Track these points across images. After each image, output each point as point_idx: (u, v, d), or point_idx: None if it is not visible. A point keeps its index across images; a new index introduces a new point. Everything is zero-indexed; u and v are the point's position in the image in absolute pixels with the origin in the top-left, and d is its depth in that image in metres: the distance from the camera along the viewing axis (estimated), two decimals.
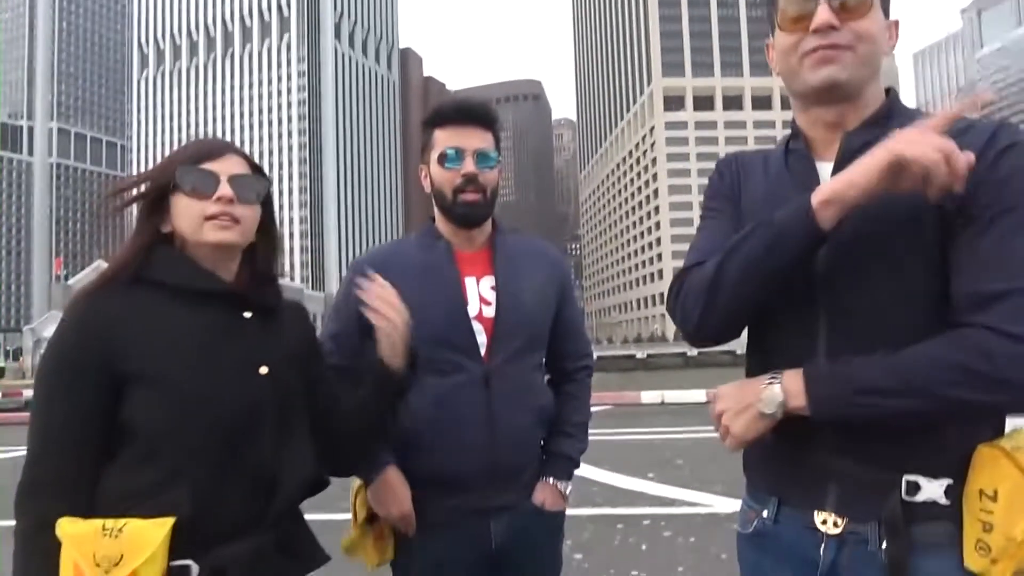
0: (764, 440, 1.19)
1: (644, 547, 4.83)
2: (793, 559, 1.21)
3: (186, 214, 1.30)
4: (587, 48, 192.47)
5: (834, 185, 1.08)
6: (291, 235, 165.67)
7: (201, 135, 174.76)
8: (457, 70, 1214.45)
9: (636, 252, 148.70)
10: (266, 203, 1.39)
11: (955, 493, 1.08)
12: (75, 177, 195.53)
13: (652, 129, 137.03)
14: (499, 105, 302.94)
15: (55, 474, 1.20)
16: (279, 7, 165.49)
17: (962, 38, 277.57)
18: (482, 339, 1.71)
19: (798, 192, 1.13)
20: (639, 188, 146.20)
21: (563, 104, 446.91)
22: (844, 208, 1.07)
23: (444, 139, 1.74)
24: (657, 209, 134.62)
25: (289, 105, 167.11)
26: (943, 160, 0.99)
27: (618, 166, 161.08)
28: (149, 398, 1.21)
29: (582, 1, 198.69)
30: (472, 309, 1.72)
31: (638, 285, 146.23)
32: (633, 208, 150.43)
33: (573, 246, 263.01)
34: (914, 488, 1.09)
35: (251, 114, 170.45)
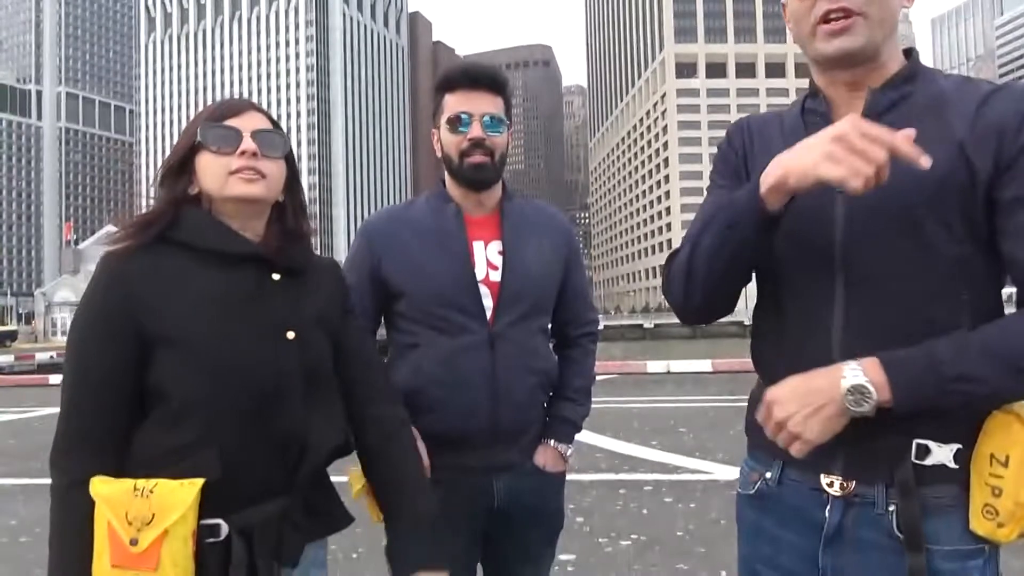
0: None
1: (645, 512, 4.93)
2: (796, 520, 1.22)
3: (211, 170, 1.30)
4: (598, 13, 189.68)
5: (776, 170, 1.08)
6: None
7: (209, 100, 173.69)
8: (466, 35, 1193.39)
9: (645, 221, 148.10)
10: (289, 161, 1.39)
11: (963, 457, 1.09)
12: (84, 141, 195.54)
13: (663, 96, 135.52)
14: (508, 71, 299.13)
15: (87, 432, 1.22)
16: None
17: (981, 4, 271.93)
18: (488, 302, 1.75)
19: None
20: (649, 156, 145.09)
21: (573, 70, 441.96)
22: (791, 193, 1.08)
23: (453, 103, 1.76)
24: (667, 178, 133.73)
25: (297, 70, 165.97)
26: (847, 171, 1.00)
27: (628, 134, 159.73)
28: (176, 361, 1.23)
29: None
30: (479, 272, 1.75)
31: (647, 255, 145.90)
32: (643, 177, 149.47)
33: (582, 215, 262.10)
34: (924, 452, 1.09)
35: (259, 78, 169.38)
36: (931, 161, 0.99)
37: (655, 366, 15.45)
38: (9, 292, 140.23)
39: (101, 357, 1.23)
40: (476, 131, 1.74)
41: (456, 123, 1.75)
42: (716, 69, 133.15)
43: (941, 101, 1.14)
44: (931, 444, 1.09)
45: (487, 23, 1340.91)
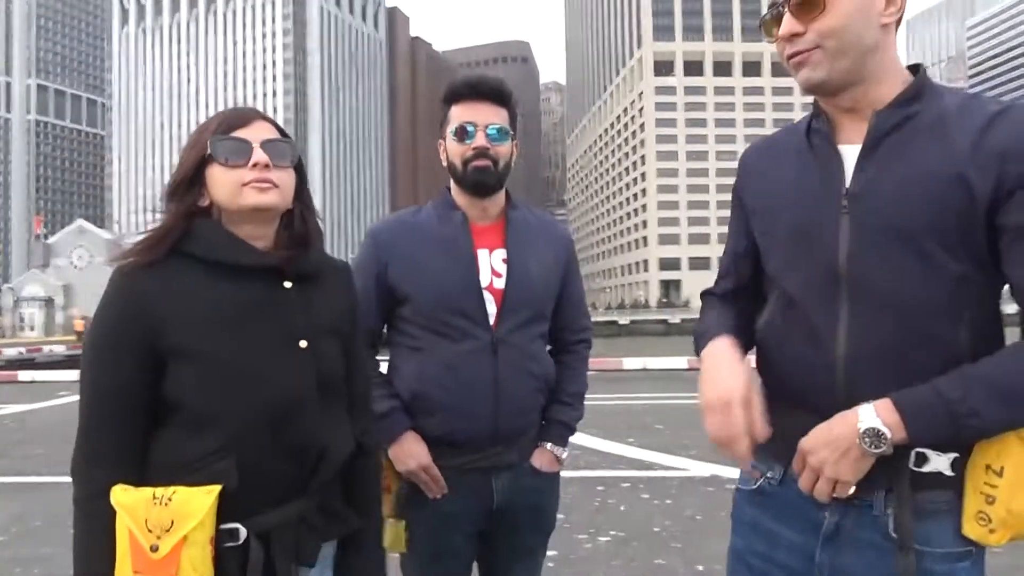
0: (779, 411, 1.23)
1: (623, 508, 5.00)
2: (795, 519, 1.26)
3: (223, 183, 1.31)
4: (577, 10, 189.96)
5: (705, 380, 1.24)
6: None
7: (184, 93, 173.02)
8: (445, 31, 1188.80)
9: (622, 218, 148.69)
10: (299, 168, 1.40)
11: (959, 465, 1.12)
12: (54, 134, 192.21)
13: (641, 94, 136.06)
14: (486, 67, 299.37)
15: (109, 444, 1.25)
16: None
17: (953, 6, 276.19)
18: (492, 308, 1.80)
19: (824, 180, 1.20)
20: (626, 154, 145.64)
21: (551, 67, 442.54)
22: None
23: (458, 114, 1.82)
24: (644, 175, 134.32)
25: (274, 64, 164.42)
26: (723, 441, 1.17)
27: (606, 131, 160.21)
28: (191, 374, 1.25)
29: None
30: (484, 280, 1.80)
31: (623, 252, 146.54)
32: (620, 174, 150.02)
33: (559, 211, 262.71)
34: (922, 459, 1.13)
35: (234, 72, 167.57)
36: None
37: (631, 363, 15.54)
38: None
39: (118, 372, 1.25)
40: (480, 140, 1.79)
41: (462, 133, 1.80)
42: (693, 67, 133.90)
43: (944, 122, 1.14)
44: (929, 452, 1.13)
45: (466, 19, 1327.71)
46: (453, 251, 1.81)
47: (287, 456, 1.29)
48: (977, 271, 1.14)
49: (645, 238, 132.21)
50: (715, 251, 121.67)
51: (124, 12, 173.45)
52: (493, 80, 1.87)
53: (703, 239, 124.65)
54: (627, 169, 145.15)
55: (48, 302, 70.99)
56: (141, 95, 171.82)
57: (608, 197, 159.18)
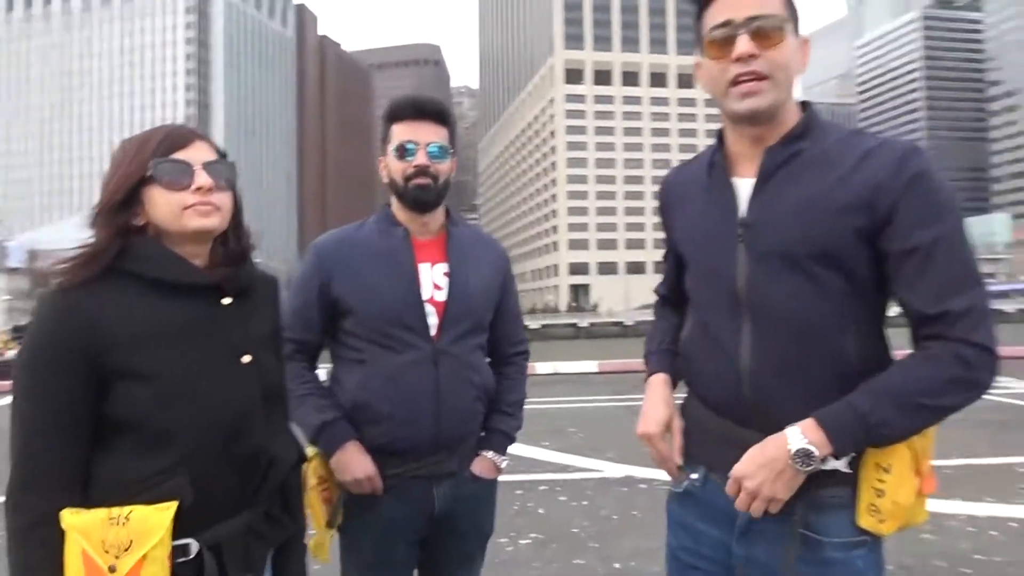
0: (698, 419, 1.42)
1: (541, 511, 5.12)
2: (716, 517, 1.38)
3: (165, 205, 1.30)
4: (489, 15, 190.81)
5: (645, 405, 1.48)
6: None
7: (76, 86, 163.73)
8: (353, 31, 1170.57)
9: (533, 223, 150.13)
10: (233, 186, 1.41)
11: (855, 464, 1.24)
12: None
13: (552, 101, 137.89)
14: (396, 69, 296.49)
15: (52, 469, 1.22)
16: None
17: (844, 26, 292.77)
18: (433, 320, 1.85)
19: (722, 211, 1.34)
20: (537, 160, 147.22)
21: (463, 71, 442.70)
22: None
23: (400, 133, 1.87)
24: (555, 181, 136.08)
25: (175, 59, 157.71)
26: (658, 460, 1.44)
27: (517, 137, 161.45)
28: (143, 394, 1.24)
29: None
30: (425, 292, 1.86)
31: (534, 256, 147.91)
32: (531, 179, 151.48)
33: (471, 216, 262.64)
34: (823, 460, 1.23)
35: (131, 65, 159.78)
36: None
37: (544, 367, 15.76)
38: None
39: (58, 393, 1.22)
40: (421, 158, 1.85)
41: (403, 151, 1.86)
42: (603, 76, 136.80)
43: (827, 157, 1.27)
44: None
45: (375, 20, 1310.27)
46: (395, 265, 1.86)
47: (237, 468, 1.30)
48: (859, 288, 1.25)
49: (556, 243, 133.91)
50: (623, 256, 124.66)
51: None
52: (434, 100, 1.95)
53: (611, 244, 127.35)
54: (538, 175, 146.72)
55: None
56: (26, 85, 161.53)
57: (519, 202, 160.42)
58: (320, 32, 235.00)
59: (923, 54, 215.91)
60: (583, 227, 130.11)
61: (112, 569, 1.14)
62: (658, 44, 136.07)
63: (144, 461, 1.23)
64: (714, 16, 1.28)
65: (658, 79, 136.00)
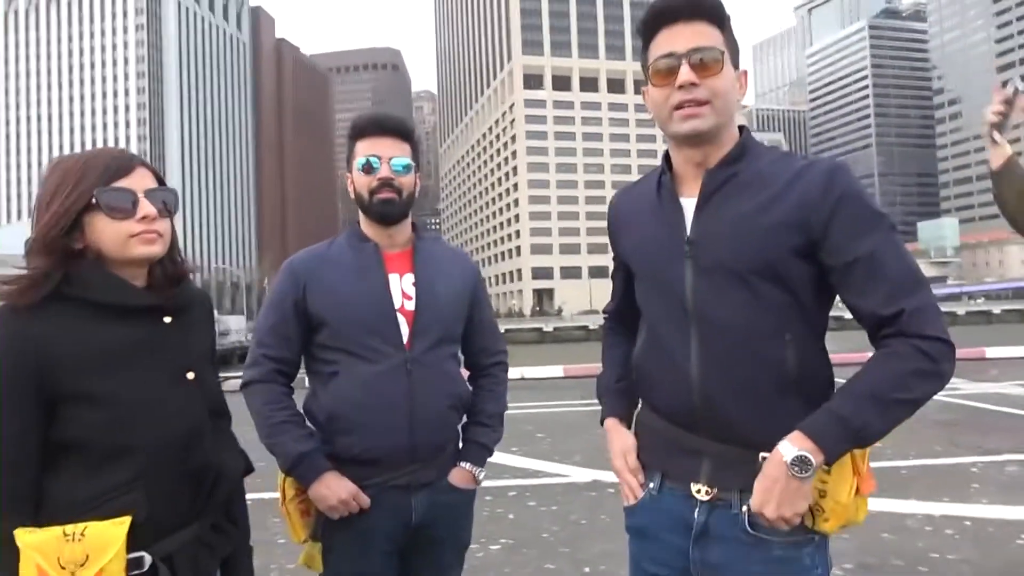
0: (652, 428, 1.49)
1: (511, 516, 5.16)
2: (672, 523, 1.44)
3: (110, 234, 1.32)
4: (448, 20, 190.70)
5: (610, 440, 1.58)
6: None
7: (23, 89, 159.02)
8: (312, 34, 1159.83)
9: (495, 228, 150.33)
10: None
11: None
12: None
13: (512, 106, 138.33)
14: (356, 73, 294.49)
15: (8, 490, 1.24)
16: None
17: (795, 34, 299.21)
18: (404, 330, 1.89)
19: (670, 229, 1.42)
20: (499, 164, 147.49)
21: (423, 75, 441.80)
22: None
23: (364, 149, 1.93)
24: (516, 186, 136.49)
25: (126, 61, 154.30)
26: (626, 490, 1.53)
27: (478, 141, 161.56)
28: (96, 415, 1.26)
29: None
30: (396, 302, 1.90)
31: (497, 261, 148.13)
32: (492, 184, 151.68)
33: (432, 221, 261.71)
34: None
35: (80, 68, 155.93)
36: None
37: (513, 373, 15.74)
38: None
39: (10, 417, 1.24)
40: (385, 171, 1.90)
41: (367, 167, 1.91)
42: (562, 82, 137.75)
43: (761, 178, 1.37)
44: None
45: (334, 22, 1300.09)
46: (366, 276, 1.90)
47: (188, 482, 1.34)
48: (798, 300, 1.34)
49: (519, 248, 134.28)
50: (586, 261, 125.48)
51: None
52: (397, 117, 2.01)
53: (574, 249, 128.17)
54: (500, 180, 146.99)
55: None
56: None
57: (482, 207, 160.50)
58: (278, 35, 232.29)
59: (870, 62, 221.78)
60: (546, 232, 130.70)
61: None
62: (615, 51, 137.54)
63: (94, 480, 1.26)
64: (659, 47, 1.38)
65: (616, 85, 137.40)
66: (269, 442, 1.84)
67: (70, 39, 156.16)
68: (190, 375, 1.39)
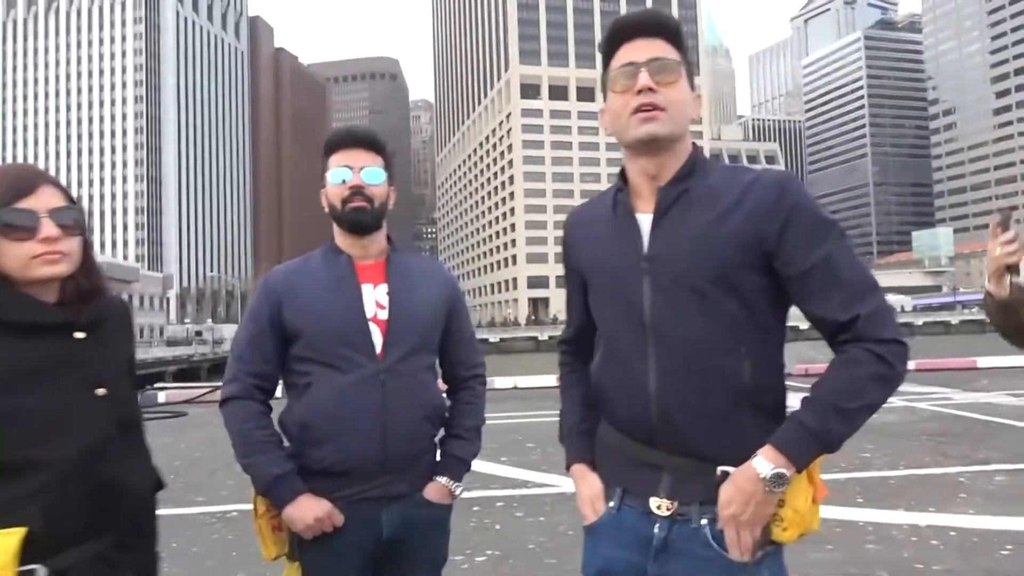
0: (611, 444, 1.51)
1: (498, 527, 5.13)
2: (630, 540, 1.45)
3: (12, 256, 1.31)
4: (445, 30, 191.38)
5: (577, 481, 1.58)
6: (125, 210, 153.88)
7: (19, 97, 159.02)
8: (310, 43, 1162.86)
9: (492, 237, 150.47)
10: (82, 228, 1.42)
11: None
12: None
13: (509, 116, 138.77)
14: (354, 82, 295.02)
15: None
16: None
17: (791, 45, 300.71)
18: (378, 339, 1.88)
19: (627, 245, 1.45)
20: (495, 174, 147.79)
21: (421, 85, 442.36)
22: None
23: (336, 161, 1.95)
24: (513, 195, 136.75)
25: (124, 70, 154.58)
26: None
27: (475, 151, 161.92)
28: None
29: None
30: (368, 311, 1.90)
31: (494, 270, 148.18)
32: (489, 193, 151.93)
33: (429, 230, 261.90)
34: (725, 476, 1.34)
35: (79, 76, 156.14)
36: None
37: (502, 382, 15.77)
38: None
39: None
40: (356, 180, 1.91)
41: (338, 177, 1.93)
42: (558, 91, 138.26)
43: (712, 193, 1.41)
44: (730, 469, 1.33)
45: (332, 32, 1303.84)
46: (339, 286, 1.91)
47: (90, 497, 1.31)
48: (753, 313, 1.38)
49: (514, 257, 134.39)
50: None
51: None
52: (369, 130, 2.02)
53: None
54: (496, 189, 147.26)
55: None
56: None
57: (478, 216, 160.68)
58: (277, 44, 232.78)
59: (866, 73, 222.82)
60: (542, 241, 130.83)
61: None
62: None
63: None
64: (620, 59, 1.46)
65: None
66: (245, 462, 1.84)
67: (68, 48, 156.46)
68: (100, 391, 1.36)
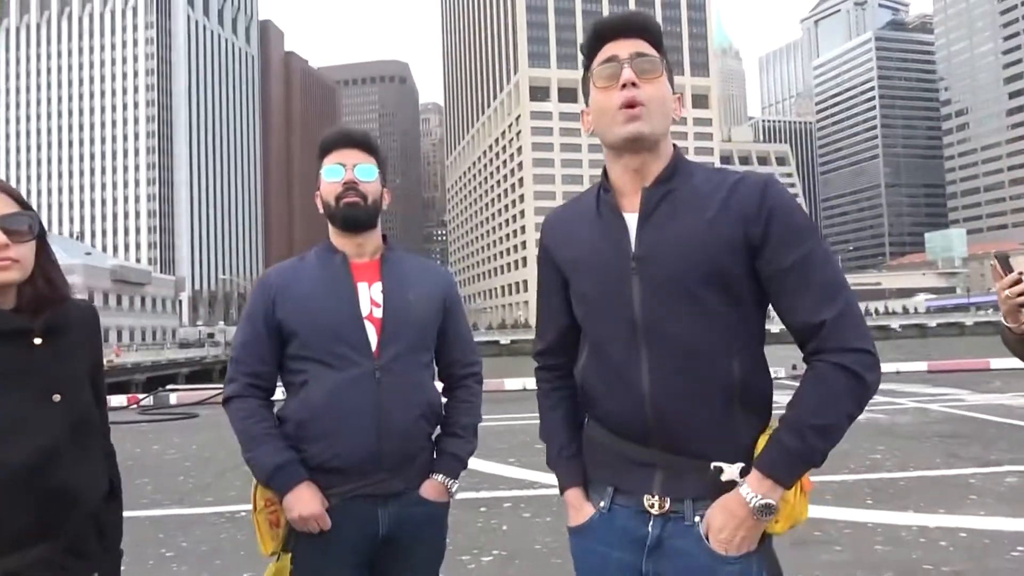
0: (601, 443, 1.50)
1: (505, 528, 5.13)
2: (622, 540, 1.45)
3: None
4: (455, 34, 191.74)
5: (571, 507, 1.55)
6: (137, 214, 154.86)
7: (32, 102, 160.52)
8: (319, 47, 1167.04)
9: (502, 239, 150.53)
10: (39, 233, 1.41)
11: (746, 472, 1.36)
12: None
13: (518, 118, 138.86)
14: (364, 86, 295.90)
15: None
16: None
17: (801, 46, 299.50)
18: (373, 337, 1.89)
19: (615, 245, 1.44)
20: (505, 176, 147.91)
21: (430, 88, 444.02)
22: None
23: (329, 160, 1.98)
24: (522, 197, 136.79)
25: (136, 74, 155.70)
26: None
27: (484, 153, 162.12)
28: None
29: None
30: (364, 309, 1.91)
31: (504, 272, 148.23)
32: (499, 195, 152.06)
33: (439, 232, 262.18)
34: (719, 471, 1.37)
35: (91, 81, 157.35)
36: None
37: (512, 383, 15.74)
38: None
39: None
40: (349, 176, 1.94)
41: (332, 174, 1.95)
42: (568, 94, 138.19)
43: (698, 194, 1.42)
44: (724, 465, 1.37)
45: (342, 35, 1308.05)
46: (334, 285, 1.92)
47: (37, 503, 1.31)
48: (742, 312, 1.40)
49: (525, 259, 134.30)
50: None
51: None
52: (362, 131, 2.05)
53: None
54: (506, 191, 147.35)
55: None
56: None
57: (488, 218, 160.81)
58: (287, 48, 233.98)
59: (877, 74, 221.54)
60: None
61: None
62: None
63: None
64: (601, 56, 1.47)
65: None
66: (247, 456, 1.86)
67: (81, 52, 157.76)
68: (56, 397, 1.36)
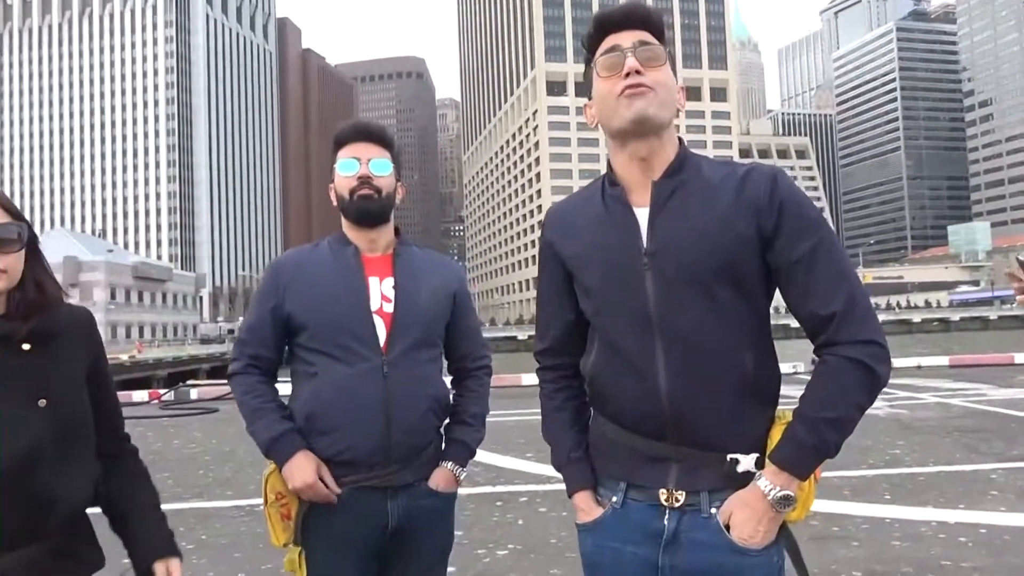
0: (614, 439, 1.48)
1: (520, 522, 5.15)
2: (637, 534, 1.44)
3: None
4: (471, 29, 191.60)
5: (579, 508, 1.52)
6: (158, 211, 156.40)
7: (55, 100, 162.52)
8: (337, 44, 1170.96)
9: (519, 234, 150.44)
10: (29, 241, 1.42)
11: (760, 462, 1.38)
12: None
13: (535, 113, 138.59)
14: (380, 82, 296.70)
15: None
16: None
17: (821, 37, 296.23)
18: (382, 331, 1.90)
19: (625, 239, 1.43)
20: (522, 171, 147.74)
21: (447, 84, 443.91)
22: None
23: (344, 154, 1.98)
24: (540, 192, 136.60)
25: (156, 72, 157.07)
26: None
27: (501, 148, 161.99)
28: None
29: None
30: (374, 304, 1.92)
31: (521, 267, 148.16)
32: (516, 191, 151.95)
33: (456, 227, 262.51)
34: (735, 462, 1.38)
35: (112, 79, 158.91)
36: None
37: (529, 379, 15.74)
38: None
39: None
40: (363, 170, 1.94)
41: (346, 168, 1.96)
42: (585, 88, 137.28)
43: (710, 186, 1.41)
44: (740, 456, 1.37)
45: (359, 32, 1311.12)
46: (345, 278, 1.93)
47: (16, 507, 1.32)
48: (754, 305, 1.41)
49: None
50: None
51: None
52: (377, 124, 2.05)
53: None
54: (523, 186, 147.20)
55: None
56: (6, 101, 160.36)
57: (505, 213, 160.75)
58: (304, 45, 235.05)
59: (898, 65, 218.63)
60: None
61: None
62: None
63: None
64: (604, 47, 1.46)
65: None
66: (249, 430, 1.89)
67: (102, 51, 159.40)
68: (42, 402, 1.37)
